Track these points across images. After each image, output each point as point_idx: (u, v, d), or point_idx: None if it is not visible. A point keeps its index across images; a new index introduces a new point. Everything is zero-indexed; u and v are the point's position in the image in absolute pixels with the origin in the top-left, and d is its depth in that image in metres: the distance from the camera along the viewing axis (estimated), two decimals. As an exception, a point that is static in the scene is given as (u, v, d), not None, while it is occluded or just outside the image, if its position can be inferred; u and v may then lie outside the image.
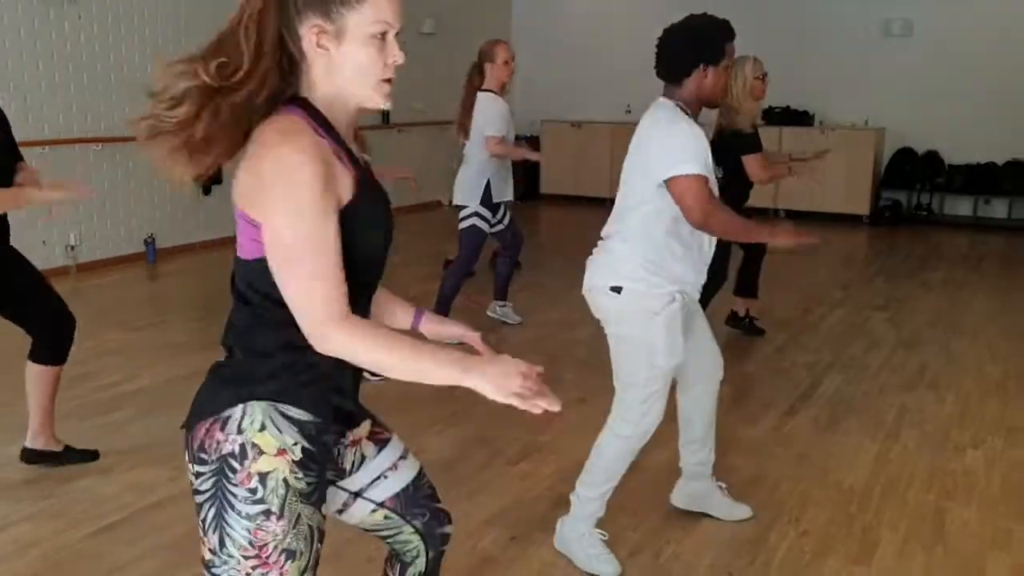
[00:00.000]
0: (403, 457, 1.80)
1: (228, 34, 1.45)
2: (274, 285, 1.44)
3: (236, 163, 1.48)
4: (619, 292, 2.74)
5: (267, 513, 1.48)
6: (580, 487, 2.89)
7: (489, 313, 5.80)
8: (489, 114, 5.11)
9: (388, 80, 1.49)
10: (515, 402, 1.38)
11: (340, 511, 1.76)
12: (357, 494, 1.75)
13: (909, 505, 3.32)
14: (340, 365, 1.49)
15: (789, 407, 4.34)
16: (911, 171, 10.06)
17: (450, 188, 5.54)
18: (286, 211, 1.38)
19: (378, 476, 1.75)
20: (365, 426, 1.75)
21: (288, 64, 1.47)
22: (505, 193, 5.41)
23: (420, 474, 1.82)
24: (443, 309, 5.11)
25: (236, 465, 1.47)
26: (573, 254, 8.29)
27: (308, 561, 1.54)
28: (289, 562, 1.50)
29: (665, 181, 2.64)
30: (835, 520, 3.19)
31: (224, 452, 1.47)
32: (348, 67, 1.45)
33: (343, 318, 1.41)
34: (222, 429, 1.48)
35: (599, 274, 2.81)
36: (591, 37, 11.60)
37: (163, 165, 1.46)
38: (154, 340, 5.34)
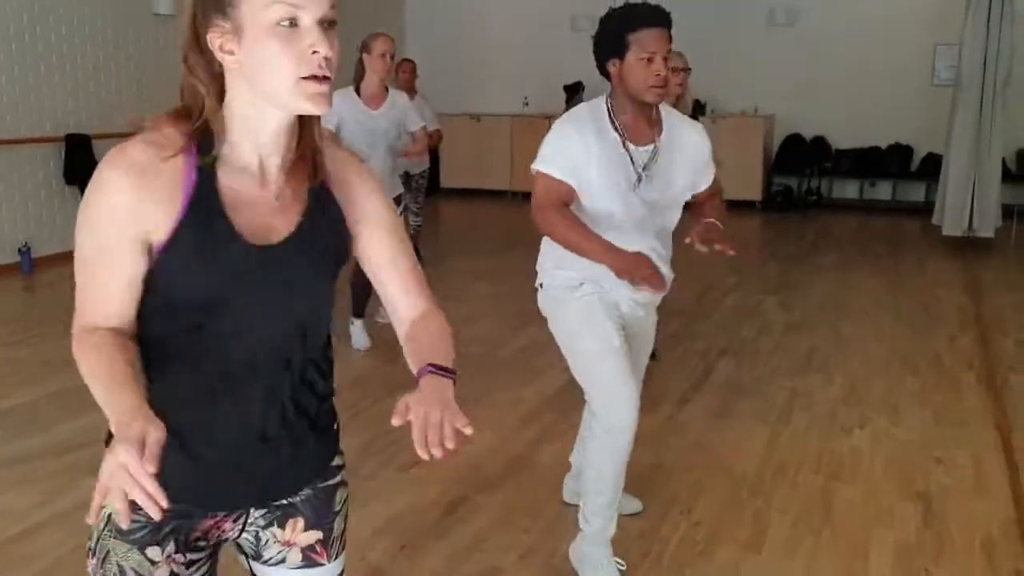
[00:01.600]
0: None
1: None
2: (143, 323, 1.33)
3: None
4: (542, 288, 2.77)
5: (89, 550, 1.37)
6: (582, 504, 2.74)
7: (379, 319, 5.44)
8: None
9: (312, 77, 1.22)
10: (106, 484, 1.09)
11: None
12: None
13: (799, 488, 3.36)
14: (236, 442, 1.35)
15: (683, 395, 4.37)
16: (800, 157, 10.34)
17: None
18: (80, 224, 1.29)
19: None
20: (310, 535, 1.48)
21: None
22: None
23: None
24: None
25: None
26: (472, 249, 8.30)
27: None
28: None
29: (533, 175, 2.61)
30: (727, 507, 3.21)
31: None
32: (255, 68, 1.23)
33: (79, 330, 1.29)
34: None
35: (537, 274, 2.83)
36: (487, 29, 11.54)
37: None
38: (28, 357, 5.04)
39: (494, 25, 11.52)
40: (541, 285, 2.78)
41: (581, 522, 2.75)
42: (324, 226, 1.36)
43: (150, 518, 1.25)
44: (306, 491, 1.47)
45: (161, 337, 1.31)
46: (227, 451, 1.37)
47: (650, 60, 2.50)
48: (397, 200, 5.37)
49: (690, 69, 4.57)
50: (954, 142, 7.91)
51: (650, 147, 2.61)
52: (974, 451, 3.66)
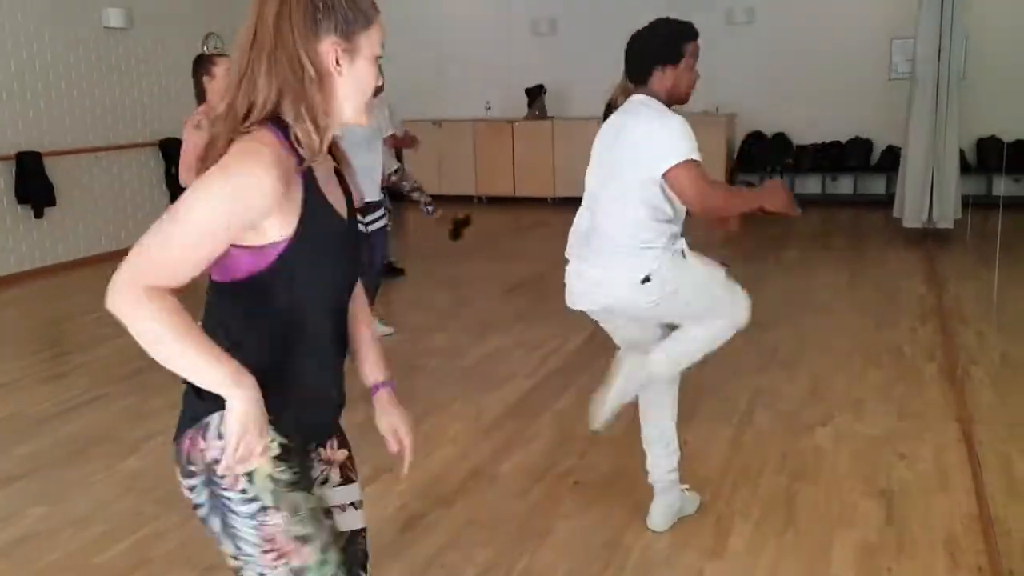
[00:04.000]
0: (355, 506, 1.79)
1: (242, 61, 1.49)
2: (238, 300, 1.53)
3: None
4: (650, 279, 2.80)
5: (264, 509, 1.52)
6: (671, 356, 2.97)
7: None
8: None
9: (370, 99, 1.56)
10: (236, 444, 1.43)
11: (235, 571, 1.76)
12: None
13: (761, 489, 3.33)
14: (320, 378, 1.62)
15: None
16: (762, 154, 10.37)
17: None
18: (201, 188, 1.42)
19: (328, 507, 1.74)
20: (341, 453, 1.76)
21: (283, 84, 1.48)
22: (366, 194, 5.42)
23: (358, 532, 1.79)
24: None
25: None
26: (436, 256, 8.23)
27: (324, 540, 1.58)
28: (305, 546, 1.55)
29: (666, 174, 2.75)
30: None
31: (208, 459, 1.51)
32: (354, 84, 1.52)
33: (147, 288, 1.38)
34: (203, 437, 1.52)
35: (617, 282, 2.85)
36: (447, 33, 11.48)
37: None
38: (-24, 381, 4.91)
39: (454, 30, 11.46)
40: (647, 277, 2.81)
41: (658, 362, 2.95)
42: (348, 194, 1.67)
43: (301, 466, 1.59)
44: None
45: (265, 300, 1.51)
46: (317, 388, 1.63)
47: (689, 68, 2.95)
48: (379, 204, 5.46)
49: None
50: (912, 135, 7.95)
51: None
52: (936, 445, 3.66)
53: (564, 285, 3.00)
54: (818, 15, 10.03)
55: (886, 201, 9.35)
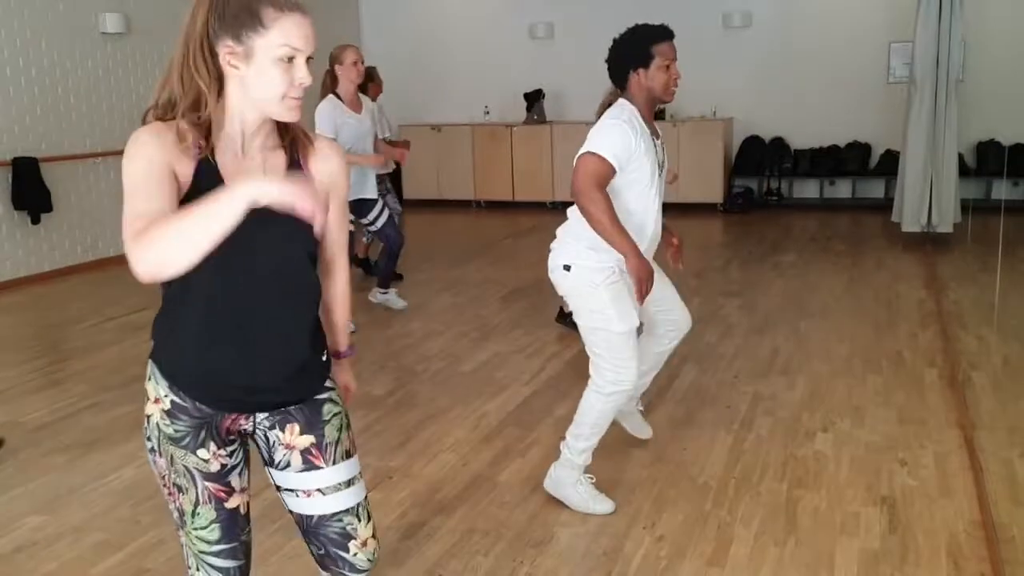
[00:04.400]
0: (322, 491, 1.88)
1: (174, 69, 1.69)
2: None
3: None
4: (568, 270, 3.13)
5: (152, 450, 1.80)
6: (570, 438, 3.25)
7: (370, 298, 6.25)
8: (319, 117, 5.37)
9: (295, 97, 1.67)
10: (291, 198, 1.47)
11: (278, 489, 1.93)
12: (278, 488, 1.92)
13: (762, 497, 3.31)
14: (235, 361, 1.75)
15: (647, 404, 4.31)
16: (760, 158, 10.37)
17: None
18: (125, 158, 1.63)
19: (293, 490, 1.89)
20: (304, 439, 1.86)
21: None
22: (359, 192, 5.61)
23: (335, 515, 1.89)
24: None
25: (144, 407, 1.81)
26: (437, 262, 8.21)
27: (196, 496, 1.79)
28: (181, 494, 1.80)
29: (577, 157, 2.98)
30: (690, 520, 3.15)
31: (150, 398, 1.80)
32: (255, 83, 1.64)
33: (136, 231, 1.50)
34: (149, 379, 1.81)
35: (554, 256, 3.20)
36: (445, 39, 11.48)
37: None
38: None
39: (452, 35, 11.46)
40: (568, 266, 3.12)
41: (565, 453, 3.26)
42: None
43: (191, 427, 1.77)
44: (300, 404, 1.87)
45: (186, 279, 1.56)
46: (227, 370, 1.77)
47: (662, 68, 3.08)
48: (374, 201, 5.74)
49: None
50: (910, 139, 7.94)
51: (659, 142, 3.19)
52: (937, 451, 3.64)
53: None
54: (815, 18, 10.03)
55: (885, 205, 9.35)
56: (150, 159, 1.61)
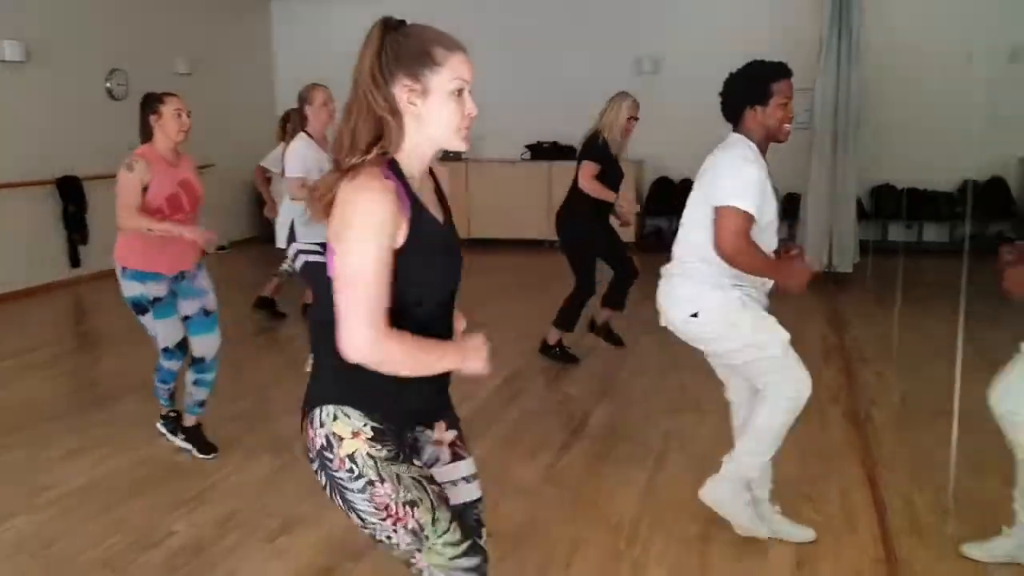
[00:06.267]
0: (466, 480, 2.03)
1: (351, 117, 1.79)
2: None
3: None
4: (697, 316, 3.07)
5: (370, 483, 1.80)
6: (745, 456, 3.15)
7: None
8: (289, 157, 5.12)
9: (467, 128, 1.82)
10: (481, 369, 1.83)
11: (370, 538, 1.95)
12: None
13: (675, 535, 3.33)
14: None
15: (563, 442, 4.32)
16: (670, 199, 10.60)
17: (220, 231, 5.50)
18: (354, 238, 1.71)
19: (442, 484, 1.96)
20: (450, 434, 2.01)
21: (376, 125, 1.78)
22: (312, 235, 5.31)
23: (474, 503, 2.03)
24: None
25: (329, 455, 1.82)
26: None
27: (431, 502, 1.84)
28: (415, 509, 1.82)
29: (718, 208, 2.96)
30: (605, 561, 3.15)
31: (318, 447, 1.83)
32: (434, 117, 1.78)
33: (377, 331, 1.69)
34: (311, 427, 1.86)
35: (673, 308, 3.16)
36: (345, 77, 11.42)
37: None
38: None
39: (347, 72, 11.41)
40: (695, 314, 3.08)
41: (733, 469, 3.18)
42: (446, 207, 1.99)
43: (397, 444, 1.85)
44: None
45: (402, 313, 1.77)
46: (419, 378, 1.84)
47: (780, 106, 3.06)
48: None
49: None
50: (811, 183, 8.26)
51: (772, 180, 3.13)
52: (842, 487, 3.73)
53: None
54: (722, 66, 10.30)
55: (788, 245, 9.65)
56: (383, 226, 1.73)
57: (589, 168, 5.47)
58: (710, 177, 3.08)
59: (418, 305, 1.81)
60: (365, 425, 1.81)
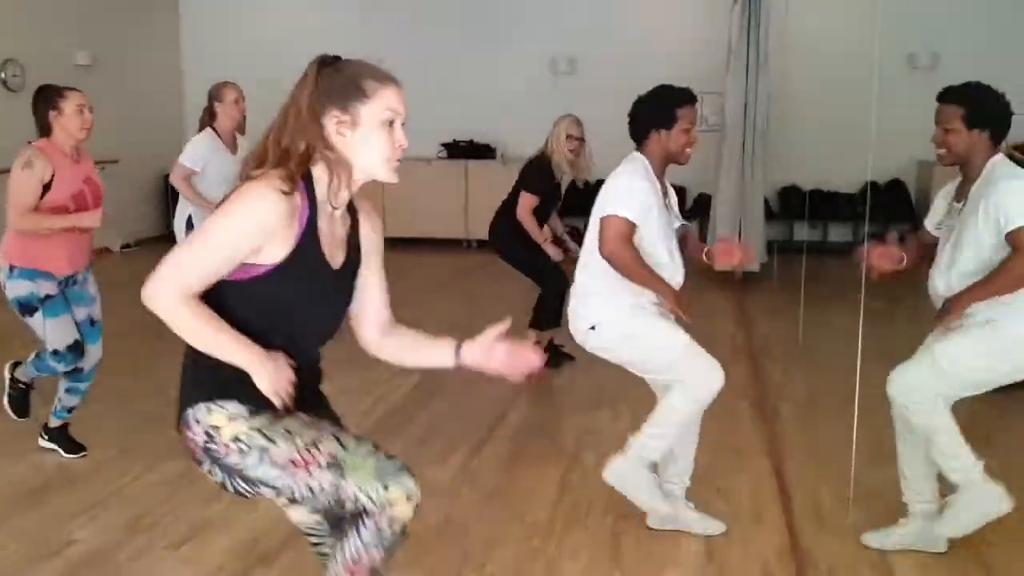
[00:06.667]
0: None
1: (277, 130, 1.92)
2: (220, 302, 1.84)
3: None
4: (595, 329, 3.18)
5: (263, 450, 1.85)
6: (650, 438, 3.21)
7: None
8: (188, 146, 5.14)
9: (398, 159, 1.93)
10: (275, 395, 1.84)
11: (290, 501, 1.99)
12: None
13: (589, 531, 3.37)
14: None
15: (477, 442, 4.31)
16: (588, 200, 10.71)
17: (121, 232, 5.37)
18: (223, 213, 1.80)
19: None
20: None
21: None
22: None
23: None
24: None
25: (214, 446, 1.87)
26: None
27: (330, 432, 1.92)
28: (319, 444, 1.87)
29: (601, 218, 3.09)
30: (520, 559, 3.16)
31: (201, 444, 1.89)
32: (361, 148, 1.88)
33: (181, 293, 1.77)
34: (189, 429, 1.91)
35: (576, 321, 3.27)
36: (272, 65, 11.19)
37: None
38: None
39: (282, 57, 11.20)
40: (593, 326, 3.19)
41: (637, 448, 3.23)
42: (354, 252, 2.03)
43: (273, 411, 1.89)
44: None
45: (245, 320, 1.87)
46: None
47: (684, 131, 3.20)
48: None
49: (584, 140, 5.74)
50: (721, 183, 8.46)
51: (669, 199, 3.33)
52: (750, 480, 3.83)
53: None
54: (635, 66, 10.43)
55: (700, 245, 9.85)
56: (260, 223, 1.78)
57: (528, 200, 5.49)
58: (601, 198, 3.22)
59: (264, 333, 1.87)
60: (238, 408, 1.88)
